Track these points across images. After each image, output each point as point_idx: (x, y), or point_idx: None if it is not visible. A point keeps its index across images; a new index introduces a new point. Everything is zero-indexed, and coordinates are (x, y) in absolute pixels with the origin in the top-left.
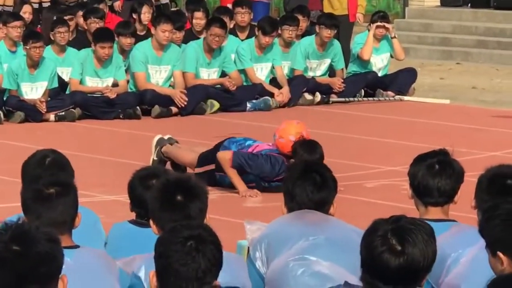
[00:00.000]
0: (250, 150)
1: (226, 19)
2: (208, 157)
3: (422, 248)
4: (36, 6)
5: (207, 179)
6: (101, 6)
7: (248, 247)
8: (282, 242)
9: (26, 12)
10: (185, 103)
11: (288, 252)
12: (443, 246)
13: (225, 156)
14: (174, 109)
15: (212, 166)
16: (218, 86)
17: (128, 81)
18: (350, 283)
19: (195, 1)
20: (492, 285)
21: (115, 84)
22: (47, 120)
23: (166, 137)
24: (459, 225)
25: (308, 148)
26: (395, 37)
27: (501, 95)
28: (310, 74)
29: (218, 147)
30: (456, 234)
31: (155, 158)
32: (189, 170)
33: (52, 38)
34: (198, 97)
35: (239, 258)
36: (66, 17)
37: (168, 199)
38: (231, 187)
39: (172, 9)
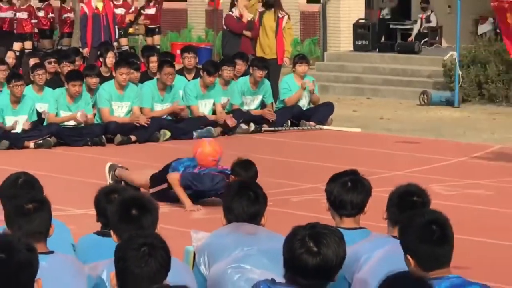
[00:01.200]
0: (196, 170)
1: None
2: (158, 178)
3: (334, 249)
4: (17, 53)
5: (161, 197)
6: (77, 58)
7: (194, 252)
8: (220, 251)
9: (10, 57)
10: (148, 122)
11: (226, 260)
12: (358, 250)
13: (174, 177)
14: (133, 137)
15: (165, 185)
16: (169, 117)
17: (94, 115)
18: (276, 280)
19: (149, 48)
20: (385, 280)
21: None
22: (27, 147)
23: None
24: (371, 234)
25: (244, 167)
26: (313, 92)
27: (403, 124)
28: (245, 108)
29: (166, 168)
30: (368, 241)
31: (111, 182)
32: (143, 190)
33: (32, 79)
34: (153, 128)
35: (184, 264)
36: (48, 62)
37: (125, 213)
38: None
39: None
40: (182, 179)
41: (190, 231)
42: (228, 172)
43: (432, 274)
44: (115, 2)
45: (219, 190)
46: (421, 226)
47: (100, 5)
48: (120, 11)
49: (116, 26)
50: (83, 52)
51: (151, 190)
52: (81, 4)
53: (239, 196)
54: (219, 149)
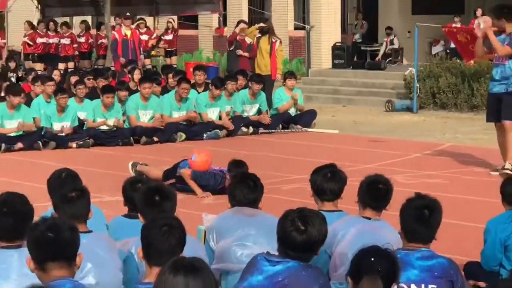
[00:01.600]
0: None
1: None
2: (169, 174)
3: (318, 228)
4: (62, 71)
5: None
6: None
7: (205, 231)
8: (226, 230)
9: (56, 75)
10: (164, 126)
11: (230, 238)
12: (335, 228)
13: (186, 172)
14: (155, 139)
15: (173, 180)
16: (184, 123)
17: (124, 121)
18: (270, 253)
19: (168, 67)
20: (359, 251)
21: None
22: (71, 147)
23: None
24: (346, 215)
25: (236, 165)
26: (300, 105)
27: (372, 127)
28: (245, 114)
29: (176, 166)
30: (344, 220)
31: (134, 175)
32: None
33: (74, 92)
34: (172, 130)
35: (196, 240)
36: (87, 78)
37: (150, 199)
38: (191, 192)
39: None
40: (192, 174)
41: (201, 214)
42: (225, 171)
43: (411, 246)
44: (140, 30)
45: (218, 186)
46: (416, 207)
47: (128, 32)
48: (144, 37)
49: (141, 49)
50: (114, 69)
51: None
52: (113, 31)
53: (241, 185)
54: (206, 159)
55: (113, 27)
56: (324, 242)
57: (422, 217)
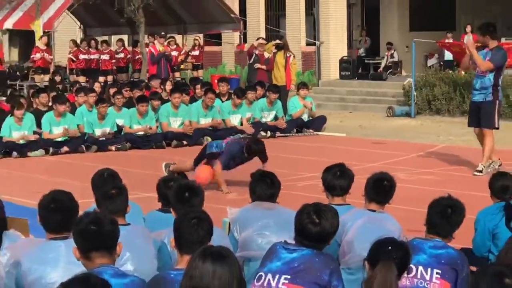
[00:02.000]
0: (225, 141)
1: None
2: (198, 159)
3: (331, 221)
4: (102, 84)
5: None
6: (143, 84)
7: (229, 223)
8: (247, 221)
9: (97, 87)
10: (192, 132)
11: (251, 228)
12: (344, 220)
13: (218, 168)
14: (184, 142)
15: (204, 162)
16: (210, 128)
17: (157, 127)
18: (287, 241)
19: (195, 79)
20: (375, 243)
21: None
22: (110, 150)
23: (165, 163)
24: (354, 208)
25: (256, 143)
26: (311, 112)
27: (375, 130)
28: (263, 120)
29: (203, 149)
30: (351, 213)
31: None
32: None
33: (113, 102)
34: (199, 135)
35: (222, 231)
36: (125, 90)
37: (181, 196)
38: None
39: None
40: (222, 164)
41: (226, 208)
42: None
43: (429, 236)
44: (170, 47)
45: (241, 150)
46: (441, 205)
47: (161, 49)
48: (174, 53)
49: (172, 64)
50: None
51: (196, 169)
52: (150, 47)
53: (260, 182)
54: (206, 172)
55: (147, 44)
56: (335, 234)
57: (444, 214)
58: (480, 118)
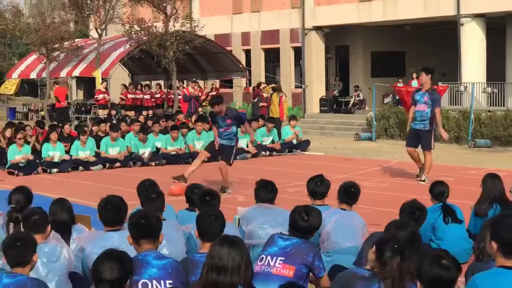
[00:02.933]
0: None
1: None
2: (211, 147)
3: (316, 219)
4: (144, 116)
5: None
6: (179, 116)
7: (239, 219)
8: (252, 218)
9: (141, 118)
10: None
11: (254, 223)
12: (324, 215)
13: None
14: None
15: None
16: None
17: (185, 148)
18: (282, 232)
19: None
20: (375, 242)
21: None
22: (150, 166)
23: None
24: (330, 208)
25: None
26: (299, 137)
27: (346, 150)
28: (263, 143)
29: (212, 142)
30: (328, 212)
31: (184, 183)
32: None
33: (151, 130)
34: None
35: (233, 225)
36: (162, 121)
37: (203, 198)
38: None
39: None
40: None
41: (237, 207)
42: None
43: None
44: (195, 88)
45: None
46: (408, 207)
47: (193, 91)
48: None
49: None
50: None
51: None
52: (183, 89)
53: (262, 188)
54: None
55: (178, 87)
56: (319, 228)
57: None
58: (421, 143)
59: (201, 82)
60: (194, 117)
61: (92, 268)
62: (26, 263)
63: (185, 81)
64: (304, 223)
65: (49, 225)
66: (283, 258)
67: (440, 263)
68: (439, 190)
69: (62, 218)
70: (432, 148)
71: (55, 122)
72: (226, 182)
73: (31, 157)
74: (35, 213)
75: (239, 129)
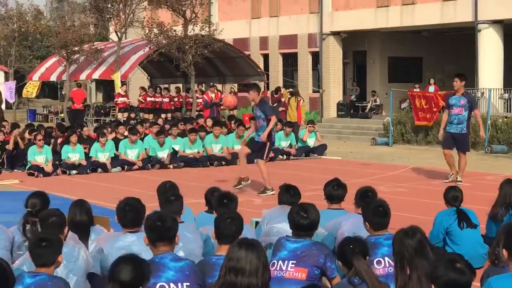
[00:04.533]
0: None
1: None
2: (251, 143)
3: (315, 213)
4: (163, 119)
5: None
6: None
7: (256, 221)
8: (272, 218)
9: (160, 121)
10: (230, 155)
11: (272, 222)
12: (340, 220)
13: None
14: (223, 163)
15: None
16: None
17: (203, 151)
18: (288, 235)
19: (231, 116)
20: (343, 240)
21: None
22: (169, 168)
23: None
24: (347, 213)
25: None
26: (318, 140)
27: (363, 155)
28: (281, 147)
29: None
30: (345, 215)
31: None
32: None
33: (170, 133)
34: (234, 157)
35: (250, 227)
36: (180, 124)
37: (221, 201)
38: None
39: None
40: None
41: (253, 210)
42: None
43: (377, 233)
44: (214, 92)
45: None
46: (374, 207)
47: (213, 95)
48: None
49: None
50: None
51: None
52: (203, 96)
53: (285, 193)
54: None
55: (196, 91)
56: (318, 225)
57: (380, 213)
58: (458, 145)
59: (219, 86)
60: (209, 121)
61: (108, 272)
62: (52, 263)
63: (203, 85)
64: (305, 221)
65: (67, 227)
66: (294, 261)
67: (455, 266)
68: (452, 195)
69: (81, 219)
70: (468, 150)
71: (68, 124)
72: (267, 182)
73: (84, 162)
74: (53, 214)
75: (252, 123)
